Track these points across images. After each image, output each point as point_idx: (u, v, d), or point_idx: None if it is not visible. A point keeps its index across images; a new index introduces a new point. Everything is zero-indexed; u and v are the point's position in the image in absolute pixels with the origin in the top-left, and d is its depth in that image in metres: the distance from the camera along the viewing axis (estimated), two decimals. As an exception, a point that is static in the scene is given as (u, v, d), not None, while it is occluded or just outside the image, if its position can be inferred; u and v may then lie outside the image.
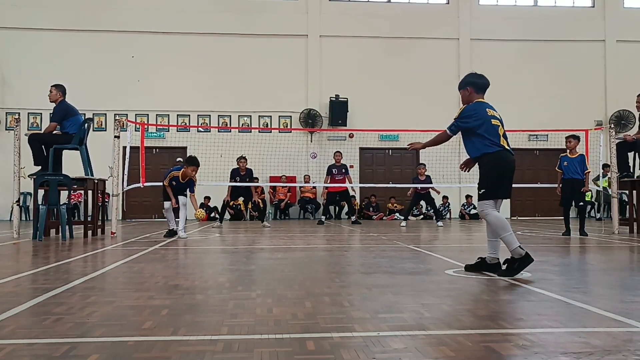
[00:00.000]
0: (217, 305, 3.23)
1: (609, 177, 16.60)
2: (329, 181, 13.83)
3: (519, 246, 4.36)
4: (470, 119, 4.57)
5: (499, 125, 4.59)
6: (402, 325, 2.75)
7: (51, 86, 8.90)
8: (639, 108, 9.70)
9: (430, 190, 13.54)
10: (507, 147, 4.56)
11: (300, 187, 17.70)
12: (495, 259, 4.56)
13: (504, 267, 4.47)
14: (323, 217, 14.14)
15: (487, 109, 4.62)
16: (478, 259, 4.67)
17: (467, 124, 4.59)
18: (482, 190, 4.54)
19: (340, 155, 14.16)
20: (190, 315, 2.98)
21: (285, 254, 6.33)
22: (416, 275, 4.51)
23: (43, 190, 8.78)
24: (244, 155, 12.90)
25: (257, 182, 15.41)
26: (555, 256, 6.12)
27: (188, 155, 10.84)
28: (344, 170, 13.94)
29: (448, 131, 4.70)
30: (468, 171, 4.98)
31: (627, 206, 11.46)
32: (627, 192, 10.62)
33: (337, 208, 18.07)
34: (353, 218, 14.16)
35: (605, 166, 17.45)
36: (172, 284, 4.06)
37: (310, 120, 17.94)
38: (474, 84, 4.75)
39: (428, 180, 13.25)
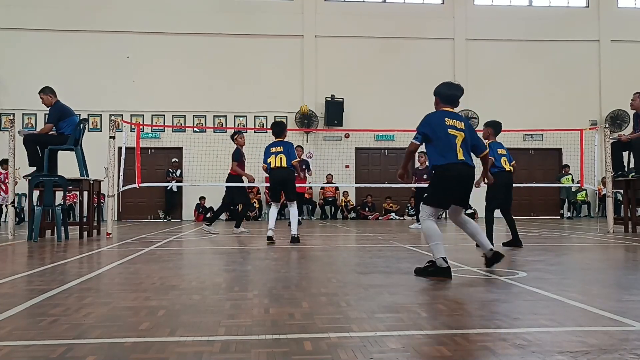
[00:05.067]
0: (214, 306, 3.23)
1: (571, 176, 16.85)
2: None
3: (443, 258, 4.34)
4: (426, 127, 4.55)
5: (457, 136, 4.51)
6: (399, 325, 2.75)
7: (39, 93, 8.77)
8: (633, 107, 9.73)
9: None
10: (461, 158, 4.49)
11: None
12: (490, 251, 4.66)
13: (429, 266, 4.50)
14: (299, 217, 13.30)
15: (445, 118, 4.54)
16: (428, 262, 4.56)
17: (423, 131, 4.55)
18: (426, 195, 4.65)
19: (301, 150, 13.27)
20: (187, 315, 2.98)
21: (281, 254, 6.33)
22: (413, 275, 4.51)
23: (38, 191, 8.74)
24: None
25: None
26: (551, 255, 6.14)
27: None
28: (304, 166, 12.94)
29: (414, 140, 4.61)
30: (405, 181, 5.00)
31: (622, 205, 11.50)
32: (621, 191, 10.65)
33: (332, 208, 18.10)
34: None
35: (565, 166, 17.61)
36: (168, 284, 4.05)
37: (306, 120, 17.94)
38: (440, 95, 4.75)
39: (428, 170, 13.03)
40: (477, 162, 4.72)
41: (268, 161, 7.85)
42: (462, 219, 4.72)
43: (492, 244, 6.59)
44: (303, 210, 17.74)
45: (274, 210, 8.06)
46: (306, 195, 17.86)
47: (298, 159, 8.01)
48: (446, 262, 4.33)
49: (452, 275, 4.28)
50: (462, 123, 4.61)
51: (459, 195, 4.56)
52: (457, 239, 9.39)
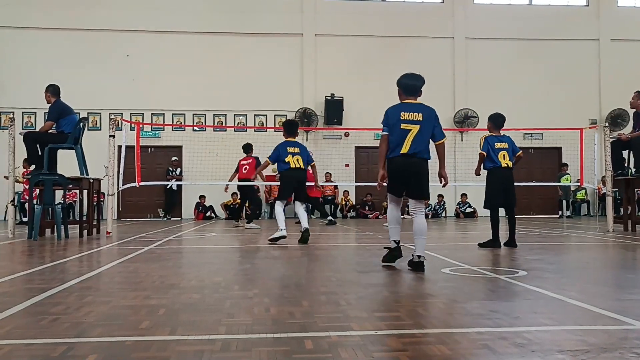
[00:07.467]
0: (214, 305, 3.23)
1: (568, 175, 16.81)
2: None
3: (395, 240, 4.87)
4: (386, 121, 4.82)
5: (410, 130, 4.70)
6: (399, 323, 2.76)
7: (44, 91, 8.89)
8: (633, 106, 9.73)
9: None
10: (404, 151, 4.67)
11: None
12: (417, 257, 4.66)
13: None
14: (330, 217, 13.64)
15: (402, 112, 4.75)
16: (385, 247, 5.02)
17: (385, 124, 4.83)
18: (386, 185, 4.88)
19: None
20: (188, 314, 2.98)
21: (281, 253, 6.33)
22: (412, 273, 4.52)
23: (38, 189, 8.73)
24: None
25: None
26: (550, 254, 6.15)
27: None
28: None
29: (383, 132, 4.84)
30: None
31: (622, 204, 11.50)
32: (617, 189, 10.66)
33: (332, 207, 18.06)
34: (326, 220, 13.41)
35: (564, 165, 17.58)
36: (168, 283, 4.05)
37: (305, 119, 17.93)
38: (401, 86, 5.01)
39: None
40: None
41: (287, 160, 7.65)
42: (413, 214, 4.81)
43: (500, 242, 6.62)
44: (328, 211, 17.20)
45: (281, 208, 7.84)
46: (325, 193, 17.42)
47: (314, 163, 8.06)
48: (397, 243, 4.86)
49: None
50: (420, 114, 4.77)
51: (403, 185, 4.80)
52: (456, 237, 9.40)
